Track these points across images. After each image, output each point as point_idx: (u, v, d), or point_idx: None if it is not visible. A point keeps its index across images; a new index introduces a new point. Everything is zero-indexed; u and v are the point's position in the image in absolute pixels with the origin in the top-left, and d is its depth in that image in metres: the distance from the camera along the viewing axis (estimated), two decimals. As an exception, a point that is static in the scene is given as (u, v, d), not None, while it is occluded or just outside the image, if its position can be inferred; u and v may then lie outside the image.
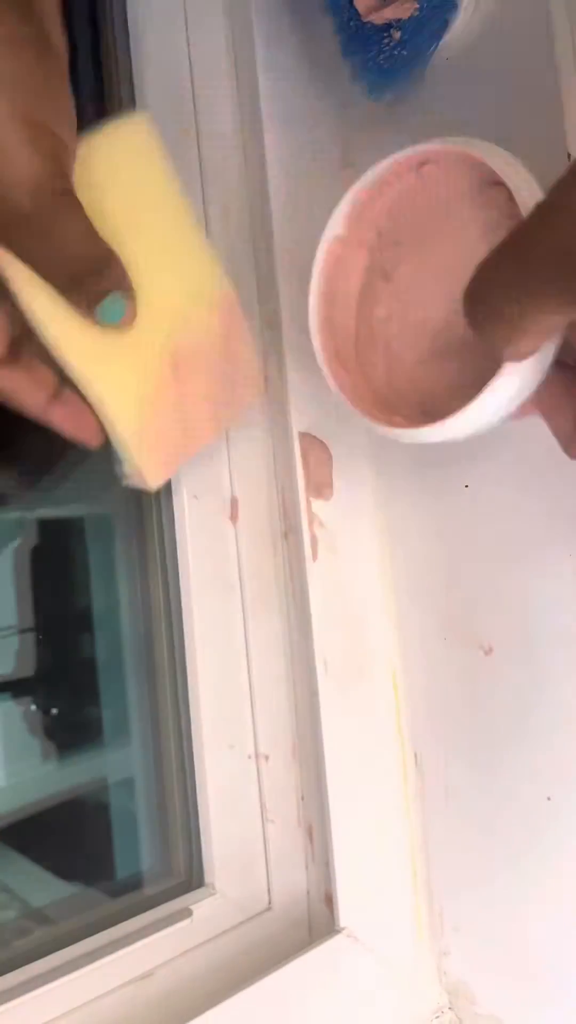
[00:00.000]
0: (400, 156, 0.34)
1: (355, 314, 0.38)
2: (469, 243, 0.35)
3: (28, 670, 0.76)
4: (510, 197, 0.31)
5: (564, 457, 0.39)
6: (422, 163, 0.35)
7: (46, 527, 0.75)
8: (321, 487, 0.46)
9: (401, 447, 0.47)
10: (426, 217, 0.36)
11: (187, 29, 0.47)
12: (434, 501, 0.45)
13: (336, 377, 0.36)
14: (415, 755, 0.47)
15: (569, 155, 0.38)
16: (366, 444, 0.48)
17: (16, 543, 0.74)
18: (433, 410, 0.34)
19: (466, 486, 0.44)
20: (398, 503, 0.47)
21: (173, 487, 0.46)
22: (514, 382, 0.30)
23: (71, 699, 0.72)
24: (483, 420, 0.32)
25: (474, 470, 0.43)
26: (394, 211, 0.37)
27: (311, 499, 0.45)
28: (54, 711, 0.75)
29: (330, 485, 0.46)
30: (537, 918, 0.41)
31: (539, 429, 0.40)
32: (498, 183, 0.32)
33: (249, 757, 0.47)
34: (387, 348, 0.37)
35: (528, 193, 0.30)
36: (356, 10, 0.39)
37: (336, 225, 0.36)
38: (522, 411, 0.33)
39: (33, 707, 0.75)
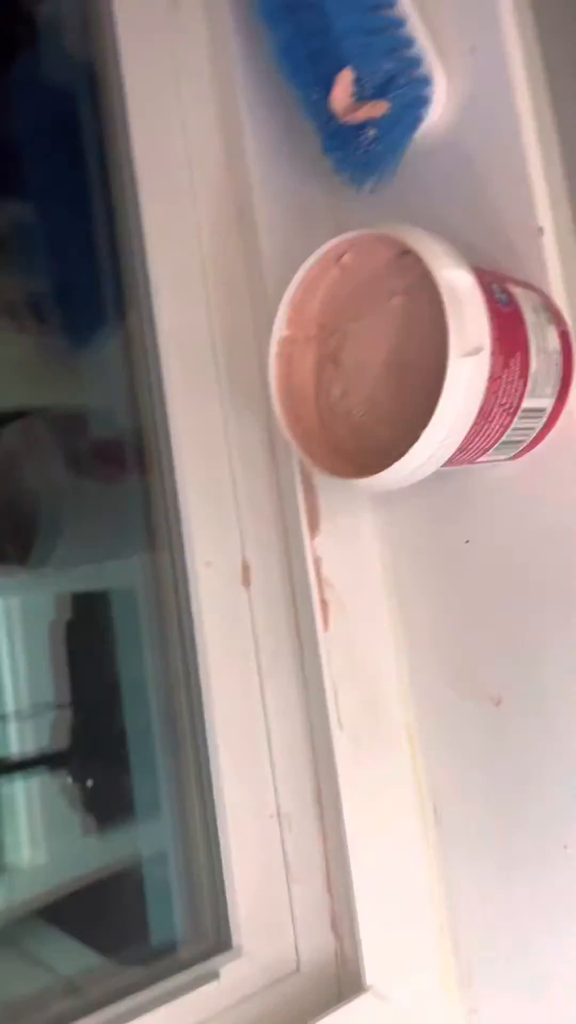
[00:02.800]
0: (319, 254, 0.38)
1: (315, 401, 0.41)
2: (395, 311, 0.39)
3: (62, 743, 0.78)
4: (418, 260, 0.35)
5: (558, 508, 0.41)
6: (340, 255, 0.39)
7: (74, 602, 0.77)
8: (328, 552, 0.48)
9: (404, 509, 0.49)
10: (355, 300, 0.40)
11: (184, 132, 0.52)
12: (437, 559, 0.47)
13: (306, 452, 0.40)
14: (434, 808, 0.47)
15: (541, 228, 0.41)
16: (370, 508, 0.50)
17: (48, 618, 0.77)
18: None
19: (467, 541, 0.45)
20: (404, 561, 0.49)
21: (187, 555, 0.48)
22: (438, 434, 0.34)
23: (103, 771, 0.74)
24: (421, 469, 0.36)
25: (473, 525, 0.45)
26: (328, 303, 0.40)
27: (320, 563, 0.47)
28: (89, 783, 0.76)
29: (336, 550, 0.48)
30: (566, 971, 0.41)
31: (527, 482, 0.42)
32: (406, 252, 0.37)
33: (271, 818, 0.48)
34: (348, 418, 0.41)
35: (432, 252, 0.34)
36: (332, 112, 0.42)
37: (281, 328, 0.40)
38: None
39: (69, 779, 0.76)
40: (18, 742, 0.76)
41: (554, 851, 0.41)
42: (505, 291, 0.37)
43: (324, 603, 0.47)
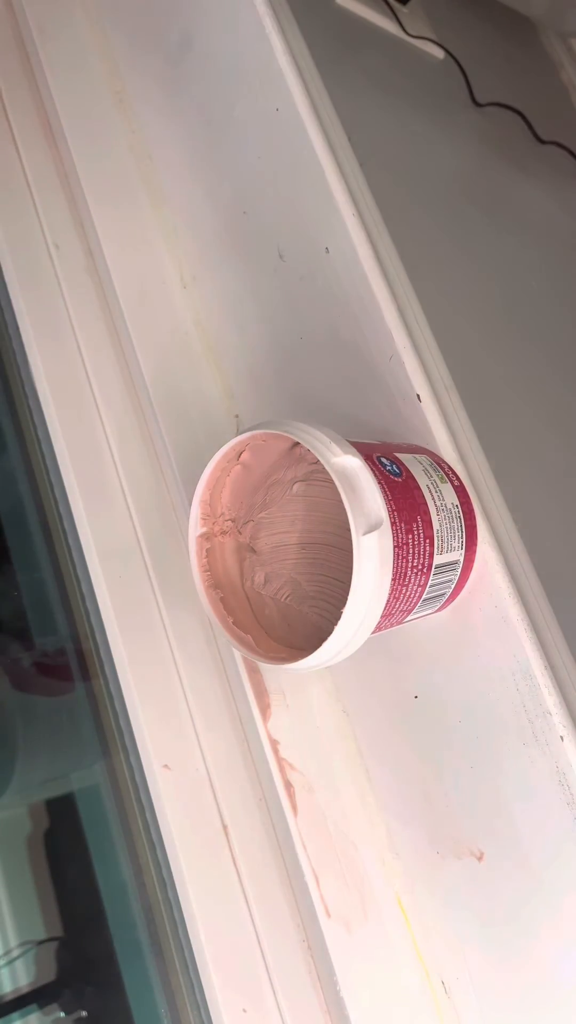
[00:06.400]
0: (220, 455, 0.40)
1: (242, 589, 0.42)
2: (298, 496, 0.42)
3: (50, 975, 0.73)
4: (308, 451, 0.39)
5: (487, 649, 0.42)
6: (239, 453, 0.41)
7: (49, 809, 0.74)
8: (283, 733, 0.47)
9: (349, 675, 0.50)
10: (260, 491, 0.43)
11: (82, 359, 0.55)
12: (391, 719, 0.47)
13: (237, 639, 0.40)
14: (443, 984, 0.45)
15: (418, 396, 0.44)
16: (316, 678, 0.50)
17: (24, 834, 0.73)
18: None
19: (415, 697, 0.46)
20: (359, 726, 0.49)
21: (143, 760, 0.48)
22: (359, 609, 0.35)
23: (95, 1000, 0.69)
24: (351, 643, 0.36)
25: (417, 680, 0.45)
26: (235, 497, 0.43)
27: (277, 746, 0.47)
28: (83, 1014, 0.71)
29: (291, 729, 0.48)
30: None
31: (456, 630, 0.43)
32: (296, 443, 0.40)
33: (275, 1028, 0.45)
34: (276, 602, 0.42)
35: (319, 442, 0.36)
36: None
37: (196, 526, 0.42)
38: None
39: (61, 1014, 0.71)
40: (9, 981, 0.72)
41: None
42: (394, 461, 0.39)
43: (289, 786, 0.46)
